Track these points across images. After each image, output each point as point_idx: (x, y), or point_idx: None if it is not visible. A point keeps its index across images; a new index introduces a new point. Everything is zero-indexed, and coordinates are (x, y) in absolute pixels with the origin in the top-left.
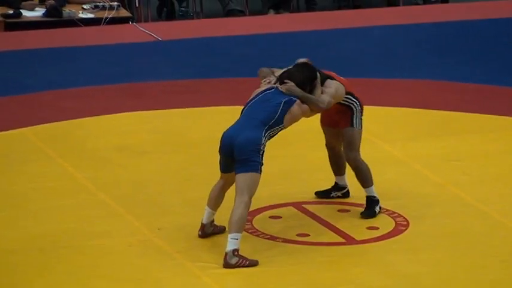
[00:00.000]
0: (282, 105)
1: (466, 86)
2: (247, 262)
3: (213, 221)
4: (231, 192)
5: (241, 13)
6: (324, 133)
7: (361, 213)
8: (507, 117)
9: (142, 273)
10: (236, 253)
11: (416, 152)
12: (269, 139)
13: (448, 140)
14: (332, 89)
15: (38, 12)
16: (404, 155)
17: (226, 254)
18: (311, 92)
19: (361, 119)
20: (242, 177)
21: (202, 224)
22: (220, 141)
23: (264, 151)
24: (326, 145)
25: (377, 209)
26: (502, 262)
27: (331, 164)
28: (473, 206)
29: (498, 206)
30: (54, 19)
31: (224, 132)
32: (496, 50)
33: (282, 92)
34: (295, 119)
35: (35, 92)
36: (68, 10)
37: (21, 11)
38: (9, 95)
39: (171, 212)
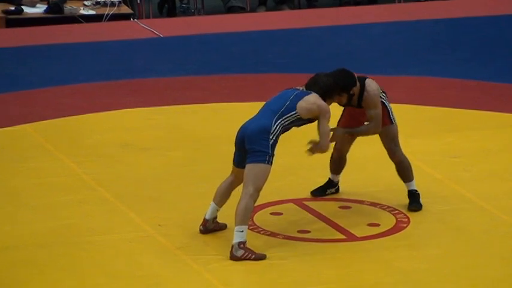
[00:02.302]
0: (295, 94)
1: (467, 82)
2: (253, 256)
3: (215, 217)
4: (237, 190)
5: (242, 10)
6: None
7: (409, 208)
8: (507, 114)
9: (143, 269)
10: (242, 245)
11: (416, 149)
12: (284, 130)
13: (448, 136)
14: (376, 102)
15: (39, 9)
16: (405, 152)
17: (232, 246)
18: (349, 99)
19: (393, 112)
20: (249, 168)
21: (204, 219)
22: (236, 134)
23: (275, 141)
24: (338, 147)
25: (421, 201)
26: (503, 259)
27: (332, 163)
28: (474, 202)
29: (499, 203)
30: (56, 15)
31: (241, 125)
32: (497, 46)
33: (300, 89)
34: (311, 109)
35: (36, 88)
36: (69, 7)
37: (23, 7)
38: (10, 92)
39: (172, 208)
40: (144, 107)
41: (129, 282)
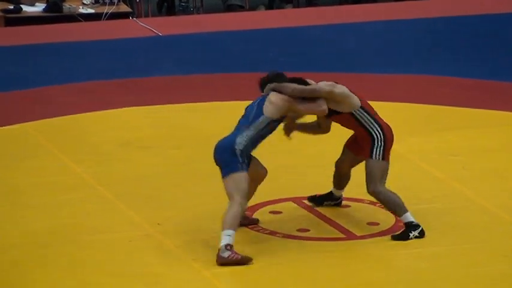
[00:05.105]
0: (257, 103)
1: (464, 80)
2: (239, 257)
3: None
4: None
5: (241, 8)
6: (343, 153)
7: (392, 236)
8: (506, 112)
9: (142, 267)
10: (229, 247)
11: (415, 147)
12: (256, 140)
13: (447, 135)
14: (330, 83)
15: (38, 8)
16: (404, 150)
17: (219, 249)
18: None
19: (383, 149)
20: (226, 182)
21: None
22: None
23: (243, 150)
24: (337, 162)
25: (412, 233)
26: (503, 257)
27: (334, 178)
28: (474, 200)
29: (498, 201)
30: (55, 14)
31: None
32: (495, 45)
33: (264, 96)
34: (278, 107)
35: (36, 87)
36: (68, 5)
37: (22, 6)
38: (9, 90)
39: (172, 207)
40: (143, 105)
41: (128, 281)
